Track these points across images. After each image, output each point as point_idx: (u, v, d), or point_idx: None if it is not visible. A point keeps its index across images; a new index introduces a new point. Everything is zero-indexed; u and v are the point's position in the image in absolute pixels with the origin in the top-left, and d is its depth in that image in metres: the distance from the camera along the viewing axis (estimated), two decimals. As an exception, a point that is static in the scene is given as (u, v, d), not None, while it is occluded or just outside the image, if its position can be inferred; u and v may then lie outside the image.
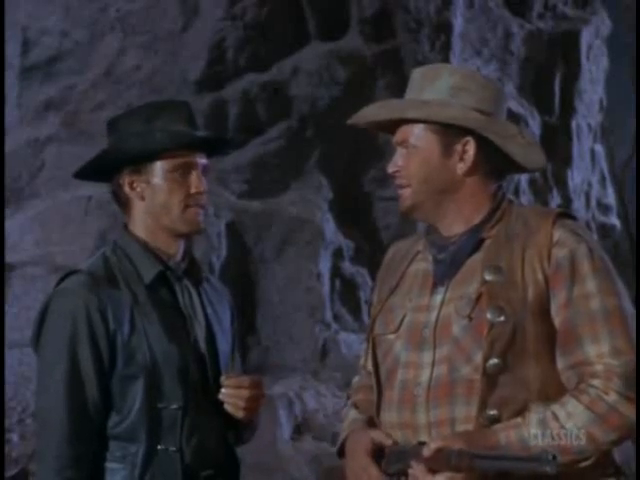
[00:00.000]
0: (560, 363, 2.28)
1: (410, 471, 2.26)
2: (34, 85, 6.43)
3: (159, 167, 2.57)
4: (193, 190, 2.56)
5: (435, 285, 2.39)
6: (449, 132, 2.38)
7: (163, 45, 6.36)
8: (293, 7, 6.53)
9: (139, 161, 2.57)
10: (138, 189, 2.59)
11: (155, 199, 2.58)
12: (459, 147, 2.38)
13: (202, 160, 2.60)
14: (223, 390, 2.56)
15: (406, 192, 2.41)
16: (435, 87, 2.41)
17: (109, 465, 2.51)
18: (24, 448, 4.99)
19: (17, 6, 6.35)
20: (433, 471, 2.20)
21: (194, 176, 2.57)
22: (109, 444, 2.51)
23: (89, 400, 2.49)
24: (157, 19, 6.39)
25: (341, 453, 2.48)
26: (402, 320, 2.41)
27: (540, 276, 2.29)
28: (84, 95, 6.33)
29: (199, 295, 2.65)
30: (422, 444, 2.25)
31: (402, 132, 2.41)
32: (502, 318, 2.26)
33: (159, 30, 6.37)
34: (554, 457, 2.06)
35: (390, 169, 2.43)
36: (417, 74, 2.47)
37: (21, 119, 6.39)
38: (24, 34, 6.46)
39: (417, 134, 2.39)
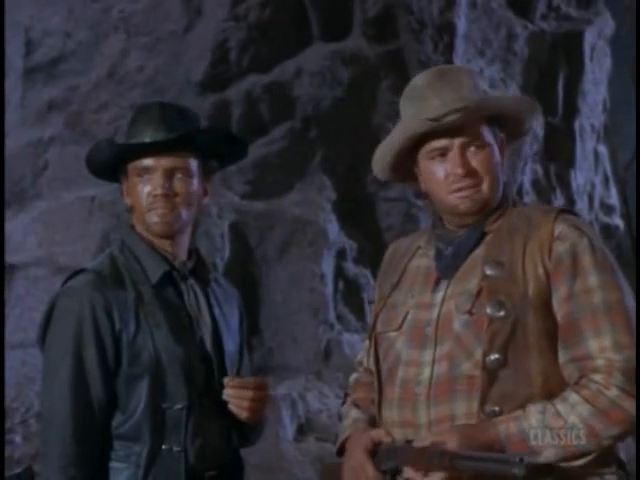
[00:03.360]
0: (561, 357, 2.27)
1: (405, 472, 2.27)
2: (37, 86, 6.44)
3: (129, 173, 2.62)
4: (152, 193, 2.58)
5: (438, 281, 2.38)
6: (495, 124, 2.38)
7: (166, 46, 6.36)
8: (296, 8, 6.52)
9: (109, 168, 2.64)
10: (128, 194, 2.65)
11: (132, 204, 2.63)
12: (500, 137, 2.39)
13: (169, 162, 2.58)
14: (226, 390, 2.56)
15: (480, 191, 2.35)
16: (466, 87, 2.37)
17: (113, 464, 2.52)
18: (27, 449, 4.99)
19: (20, 7, 6.36)
20: (427, 471, 2.21)
21: (153, 179, 2.58)
22: (113, 443, 2.52)
23: (94, 399, 2.50)
24: (160, 20, 6.39)
25: (341, 451, 2.47)
26: (404, 318, 2.40)
27: (541, 270, 2.28)
28: (87, 96, 6.34)
29: (206, 295, 2.65)
30: (410, 442, 2.27)
31: (469, 130, 2.34)
32: (502, 313, 2.26)
33: (162, 31, 6.38)
34: (521, 460, 2.08)
35: (460, 170, 2.33)
36: (429, 79, 2.40)
37: (24, 120, 6.40)
38: (27, 35, 6.47)
39: (482, 130, 2.35)
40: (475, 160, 2.34)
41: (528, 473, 2.08)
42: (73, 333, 2.50)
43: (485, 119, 2.36)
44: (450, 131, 2.33)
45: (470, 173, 2.33)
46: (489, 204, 2.37)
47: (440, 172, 2.35)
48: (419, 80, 2.41)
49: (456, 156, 2.33)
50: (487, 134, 2.36)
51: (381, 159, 2.44)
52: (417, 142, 2.37)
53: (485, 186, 2.35)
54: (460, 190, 2.34)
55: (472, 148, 2.34)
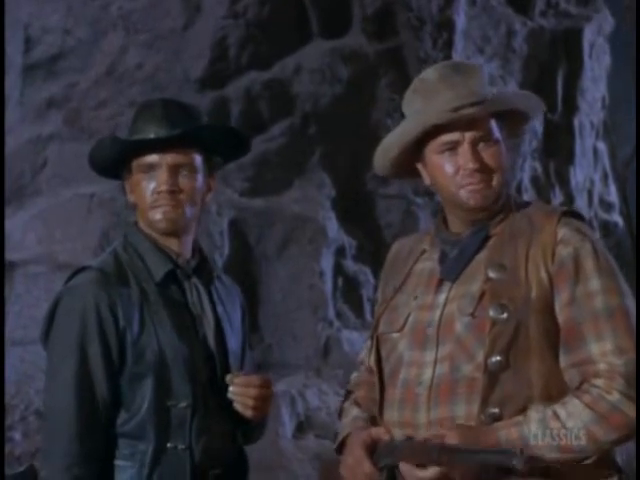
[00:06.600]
0: (563, 361, 2.27)
1: (400, 466, 2.27)
2: (36, 83, 6.42)
3: (133, 170, 2.61)
4: (157, 189, 2.57)
5: (440, 283, 2.38)
6: (500, 121, 2.38)
7: (165, 43, 6.35)
8: (295, 5, 6.51)
9: (112, 165, 2.64)
10: (131, 191, 2.64)
11: (136, 201, 2.63)
12: (504, 133, 2.39)
13: (174, 158, 2.57)
14: (231, 388, 2.56)
15: (491, 186, 2.35)
16: (477, 83, 2.37)
17: (118, 463, 2.52)
18: (27, 446, 4.99)
19: (19, 4, 6.35)
20: (422, 465, 2.21)
21: (158, 175, 2.57)
22: (118, 442, 2.52)
23: (98, 397, 2.50)
24: (159, 17, 6.38)
25: (340, 449, 2.47)
26: (407, 319, 2.40)
27: (544, 274, 2.28)
28: (86, 93, 6.33)
29: (209, 293, 2.65)
30: (410, 439, 2.27)
31: (480, 125, 2.34)
32: (505, 316, 2.26)
33: (161, 28, 6.36)
34: (522, 451, 2.09)
35: (472, 164, 2.32)
36: (441, 72, 2.39)
37: (23, 117, 6.39)
38: (26, 32, 6.45)
39: (493, 126, 2.35)
40: (485, 155, 2.34)
41: (527, 466, 2.09)
42: (77, 331, 2.50)
43: (494, 115, 2.36)
44: (462, 125, 2.32)
45: (482, 168, 2.33)
46: (497, 200, 2.37)
47: (450, 166, 2.35)
48: (429, 74, 2.40)
49: (468, 151, 2.33)
50: (496, 130, 2.36)
51: (387, 152, 2.43)
52: (424, 136, 2.36)
53: (495, 182, 2.35)
54: (471, 185, 2.33)
55: (482, 143, 2.34)
